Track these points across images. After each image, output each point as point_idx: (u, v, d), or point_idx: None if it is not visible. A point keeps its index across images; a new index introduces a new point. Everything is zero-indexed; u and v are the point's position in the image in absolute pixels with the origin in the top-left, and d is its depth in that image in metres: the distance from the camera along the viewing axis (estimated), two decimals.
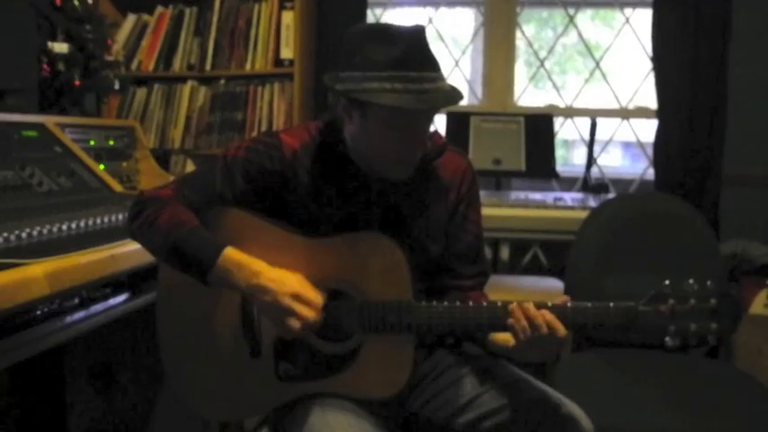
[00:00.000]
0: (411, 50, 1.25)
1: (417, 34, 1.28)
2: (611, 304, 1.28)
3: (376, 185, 1.43)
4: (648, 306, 1.27)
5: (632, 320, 1.27)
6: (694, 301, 1.26)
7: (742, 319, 1.26)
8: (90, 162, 2.17)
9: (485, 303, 1.32)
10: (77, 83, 2.36)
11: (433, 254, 1.47)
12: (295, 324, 1.27)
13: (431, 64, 1.28)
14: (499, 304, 1.31)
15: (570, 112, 3.43)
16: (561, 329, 1.25)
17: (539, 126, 3.18)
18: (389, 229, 1.41)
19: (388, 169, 1.37)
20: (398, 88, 1.24)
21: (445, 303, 1.33)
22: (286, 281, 1.28)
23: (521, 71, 3.52)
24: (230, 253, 1.29)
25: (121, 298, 1.71)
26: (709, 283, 1.27)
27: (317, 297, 1.30)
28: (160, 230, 1.32)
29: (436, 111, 1.36)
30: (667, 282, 1.28)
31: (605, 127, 3.38)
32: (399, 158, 1.35)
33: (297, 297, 1.27)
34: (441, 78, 1.29)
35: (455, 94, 1.30)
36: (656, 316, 1.27)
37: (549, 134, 3.20)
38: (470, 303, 1.33)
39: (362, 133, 1.34)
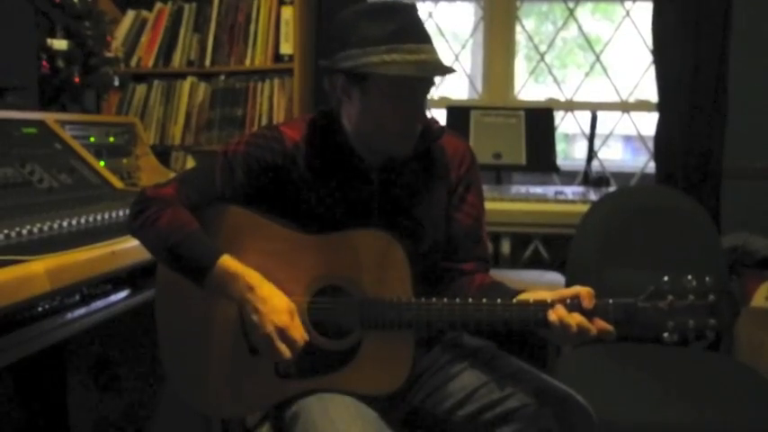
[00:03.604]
0: (406, 24, 1.30)
1: (410, 9, 1.32)
2: (611, 300, 1.28)
3: (376, 174, 1.43)
4: (647, 302, 1.28)
5: (631, 316, 1.28)
6: (693, 297, 1.27)
7: (741, 315, 1.26)
8: (90, 159, 2.17)
9: (484, 300, 1.32)
10: (77, 80, 2.36)
11: (435, 240, 1.47)
12: (271, 355, 1.28)
13: (425, 36, 1.32)
14: (498, 302, 1.31)
15: (571, 106, 3.43)
16: None
17: (539, 120, 3.18)
18: (392, 217, 1.41)
19: (390, 145, 1.38)
20: (398, 59, 1.27)
21: (445, 300, 1.33)
22: (277, 307, 1.27)
23: (521, 65, 3.52)
24: (226, 261, 1.29)
25: (122, 294, 1.71)
26: (707, 279, 1.28)
27: (300, 335, 1.28)
28: (160, 232, 1.32)
29: (434, 82, 1.39)
30: (666, 278, 1.28)
31: (606, 120, 3.38)
32: (400, 132, 1.37)
33: (281, 330, 1.25)
34: (435, 50, 1.33)
35: (449, 66, 1.34)
36: (654, 312, 1.27)
37: (550, 128, 3.19)
38: (470, 300, 1.33)
39: (363, 111, 1.35)
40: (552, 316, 1.26)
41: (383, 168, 1.43)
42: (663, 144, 3.05)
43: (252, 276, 1.29)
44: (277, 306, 1.27)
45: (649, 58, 3.17)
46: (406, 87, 1.32)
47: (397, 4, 1.32)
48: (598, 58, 3.41)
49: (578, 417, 1.34)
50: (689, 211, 2.30)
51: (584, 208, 2.40)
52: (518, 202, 2.78)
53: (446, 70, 1.33)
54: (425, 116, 1.42)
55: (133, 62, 3.24)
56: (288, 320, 1.26)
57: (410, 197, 1.46)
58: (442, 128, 1.50)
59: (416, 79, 1.32)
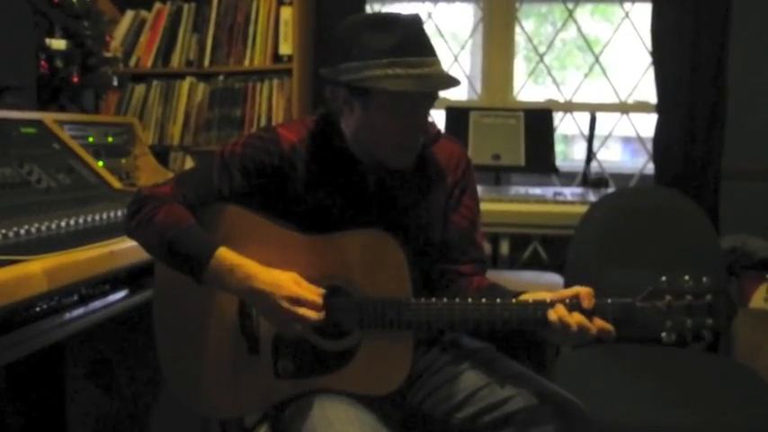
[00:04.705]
0: (409, 36, 1.27)
1: (413, 20, 1.30)
2: (609, 300, 1.28)
3: (373, 177, 1.43)
4: (645, 302, 1.28)
5: (630, 316, 1.28)
6: (690, 297, 1.27)
7: (738, 315, 1.27)
8: (89, 159, 2.16)
9: (483, 300, 1.32)
10: (75, 79, 2.36)
11: (433, 242, 1.47)
12: (298, 327, 1.29)
13: (429, 49, 1.30)
14: (498, 301, 1.31)
15: (570, 107, 3.43)
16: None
17: (538, 121, 3.18)
18: (389, 219, 1.41)
19: (391, 158, 1.38)
20: (400, 74, 1.26)
21: (444, 300, 1.33)
22: (282, 284, 1.27)
23: (520, 66, 3.52)
24: (223, 253, 1.29)
25: (120, 294, 1.71)
26: (704, 279, 1.28)
27: (315, 294, 1.29)
28: (156, 229, 1.32)
29: (437, 95, 1.37)
30: (664, 278, 1.28)
31: (605, 122, 3.38)
32: (402, 146, 1.36)
33: (295, 300, 1.26)
34: (439, 63, 1.31)
35: (454, 78, 1.32)
36: (652, 312, 1.28)
37: (549, 129, 3.19)
38: (469, 300, 1.33)
39: (364, 124, 1.34)
40: (552, 315, 1.26)
41: (380, 172, 1.43)
42: (662, 145, 3.05)
43: (249, 266, 1.29)
44: (281, 281, 1.28)
45: (648, 59, 3.17)
46: (408, 102, 1.30)
47: (399, 16, 1.30)
48: (597, 60, 3.42)
49: (577, 421, 1.34)
50: (687, 213, 2.30)
51: (583, 209, 2.39)
52: (517, 202, 2.78)
53: (449, 84, 1.31)
54: (427, 129, 1.41)
55: (132, 62, 3.24)
56: (297, 288, 1.27)
57: (407, 201, 1.45)
58: (439, 132, 1.50)
59: (418, 94, 1.30)
